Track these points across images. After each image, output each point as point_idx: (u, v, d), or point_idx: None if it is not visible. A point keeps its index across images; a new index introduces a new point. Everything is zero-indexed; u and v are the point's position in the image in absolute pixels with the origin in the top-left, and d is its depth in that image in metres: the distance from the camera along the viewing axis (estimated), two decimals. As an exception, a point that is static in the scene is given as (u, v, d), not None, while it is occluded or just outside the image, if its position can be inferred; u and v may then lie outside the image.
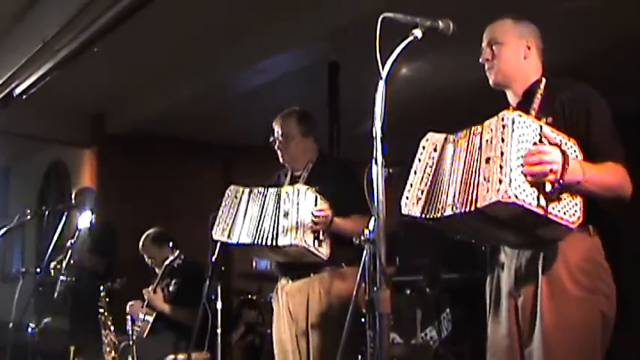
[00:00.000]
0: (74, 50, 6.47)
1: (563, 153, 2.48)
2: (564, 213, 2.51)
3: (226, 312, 4.57)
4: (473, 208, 2.48)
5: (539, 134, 2.50)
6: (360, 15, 5.29)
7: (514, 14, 3.01)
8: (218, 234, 4.01)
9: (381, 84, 2.38)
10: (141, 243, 6.14)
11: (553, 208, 2.48)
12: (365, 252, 2.79)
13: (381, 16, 2.43)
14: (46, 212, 7.51)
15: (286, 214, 3.78)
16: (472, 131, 2.65)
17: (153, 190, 9.08)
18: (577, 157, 2.55)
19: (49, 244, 6.39)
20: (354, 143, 4.90)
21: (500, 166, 2.43)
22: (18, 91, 7.58)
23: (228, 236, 3.95)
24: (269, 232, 3.80)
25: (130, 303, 5.80)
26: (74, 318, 6.66)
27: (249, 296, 7.66)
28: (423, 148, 2.84)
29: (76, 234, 6.30)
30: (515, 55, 2.95)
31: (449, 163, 2.70)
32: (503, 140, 2.46)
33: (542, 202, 2.46)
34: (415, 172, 2.80)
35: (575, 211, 2.53)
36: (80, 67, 6.89)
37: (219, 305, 4.40)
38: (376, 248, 2.38)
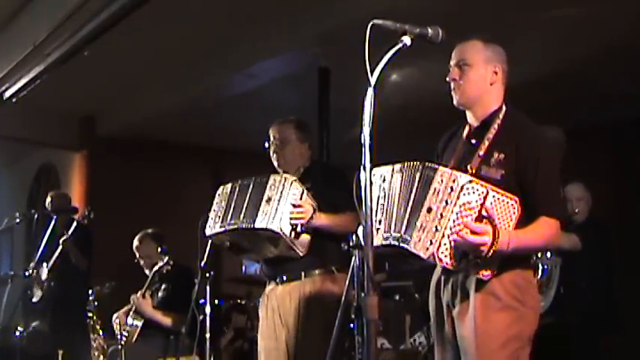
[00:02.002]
0: (64, 54, 6.47)
1: (494, 230, 2.57)
2: (482, 271, 2.69)
3: (215, 317, 4.56)
4: (402, 245, 2.69)
5: (481, 204, 2.59)
6: (351, 21, 5.30)
7: (484, 36, 3.03)
8: (209, 229, 4.05)
9: (370, 91, 2.38)
10: (138, 240, 6.08)
11: (471, 268, 2.66)
12: (353, 258, 2.81)
13: (370, 23, 2.44)
14: (36, 216, 7.52)
15: (269, 200, 3.83)
16: (413, 166, 2.80)
17: (142, 194, 9.06)
18: (513, 215, 2.67)
19: (37, 248, 6.39)
20: (344, 149, 4.91)
21: (436, 228, 2.58)
22: (8, 94, 7.57)
23: (221, 227, 3.99)
24: (250, 215, 3.86)
25: (114, 317, 5.77)
26: (55, 321, 6.64)
27: (239, 301, 7.66)
28: (371, 183, 2.89)
29: (69, 232, 6.29)
30: (482, 79, 2.97)
31: (395, 193, 2.83)
32: (447, 202, 2.59)
33: (463, 264, 2.62)
34: (372, 209, 2.87)
35: (491, 267, 2.70)
36: (70, 70, 6.88)
37: (207, 310, 4.39)
38: (364, 255, 2.38)
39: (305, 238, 3.91)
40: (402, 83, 7.25)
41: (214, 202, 4.11)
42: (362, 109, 2.39)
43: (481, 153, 2.86)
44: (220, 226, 4.00)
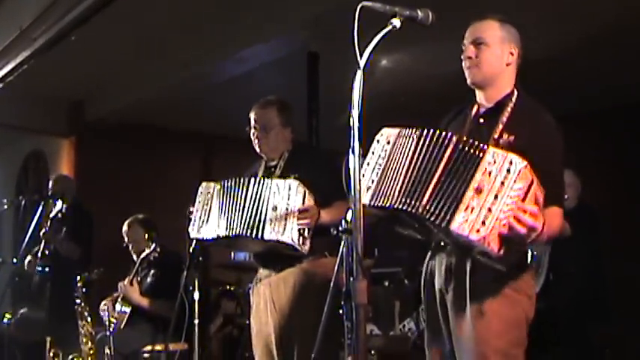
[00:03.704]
0: (51, 38, 6.43)
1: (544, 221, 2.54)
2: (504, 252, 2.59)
3: (204, 303, 4.55)
4: (443, 225, 2.54)
5: (525, 191, 2.51)
6: (340, 4, 5.27)
7: (500, 15, 3.01)
8: (195, 232, 3.98)
9: (359, 73, 2.36)
10: (127, 225, 6.06)
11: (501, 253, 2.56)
12: (342, 243, 2.79)
13: (359, 5, 2.42)
14: (23, 202, 7.48)
15: (275, 208, 3.72)
16: (441, 135, 2.68)
17: (131, 179, 9.03)
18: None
19: (25, 234, 6.35)
20: (334, 133, 4.89)
21: (490, 209, 2.47)
22: (-5, 79, 7.52)
23: (205, 233, 3.92)
24: (254, 223, 3.74)
25: (102, 304, 5.74)
26: (51, 308, 6.60)
27: (228, 287, 7.65)
28: (377, 141, 2.87)
29: (48, 222, 6.24)
30: (499, 58, 2.95)
31: (406, 156, 2.73)
32: (502, 184, 2.48)
33: (501, 250, 2.53)
34: (368, 164, 2.83)
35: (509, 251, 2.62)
36: (58, 55, 6.83)
37: (196, 296, 4.37)
38: (353, 239, 2.36)
39: (309, 239, 3.85)
40: (392, 69, 7.24)
41: (196, 201, 4.01)
42: (351, 93, 2.37)
43: (496, 136, 2.84)
44: (209, 233, 3.90)
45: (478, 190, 2.51)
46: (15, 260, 6.59)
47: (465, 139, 2.64)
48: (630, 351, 6.09)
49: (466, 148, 2.61)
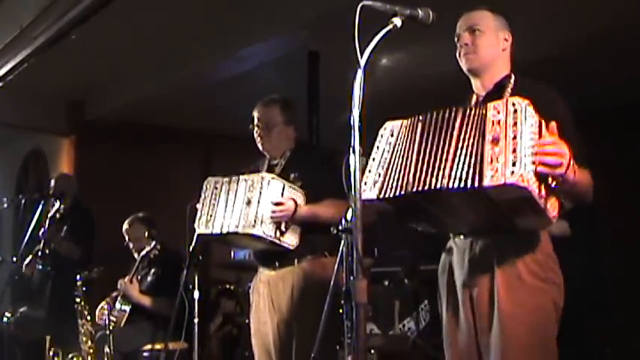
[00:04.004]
0: (52, 37, 6.43)
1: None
2: (553, 206, 2.53)
3: (204, 302, 4.55)
4: (476, 185, 2.43)
5: (539, 127, 2.48)
6: (340, 4, 5.27)
7: (490, 7, 3.04)
8: (202, 228, 4.00)
9: (360, 72, 2.36)
10: (128, 223, 6.07)
11: (548, 199, 2.49)
12: (342, 242, 2.79)
13: (360, 5, 2.42)
14: (23, 201, 7.48)
15: (249, 202, 3.78)
16: (446, 113, 2.67)
17: (132, 179, 9.02)
18: None
19: (25, 234, 6.36)
20: (334, 132, 4.89)
21: (514, 149, 2.40)
22: (-5, 78, 7.52)
23: (213, 228, 3.94)
24: (234, 219, 3.81)
25: (102, 303, 5.74)
26: (50, 307, 6.60)
27: (228, 286, 7.65)
28: (381, 136, 2.85)
29: (47, 222, 6.25)
30: (495, 44, 2.99)
31: (414, 143, 2.70)
32: (515, 124, 2.44)
33: (543, 192, 2.46)
34: (373, 159, 2.80)
35: (557, 206, 2.56)
36: (58, 54, 6.83)
37: (196, 295, 4.37)
38: (353, 238, 2.36)
39: (293, 232, 3.89)
40: (392, 68, 7.23)
41: (202, 196, 4.06)
42: (351, 93, 2.37)
43: None
44: (207, 229, 3.97)
45: (495, 141, 2.45)
46: (15, 259, 6.59)
47: (470, 109, 2.62)
48: (630, 350, 6.09)
49: (469, 112, 2.59)
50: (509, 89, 2.91)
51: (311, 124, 6.62)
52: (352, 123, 2.35)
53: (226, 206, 3.90)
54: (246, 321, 6.18)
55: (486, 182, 2.41)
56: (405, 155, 2.69)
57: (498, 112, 2.49)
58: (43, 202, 6.56)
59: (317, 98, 6.63)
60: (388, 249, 7.12)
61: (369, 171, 2.76)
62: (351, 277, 2.35)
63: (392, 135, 2.80)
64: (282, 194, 3.82)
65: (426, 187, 2.55)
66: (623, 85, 7.22)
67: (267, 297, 4.08)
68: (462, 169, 2.49)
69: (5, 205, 6.90)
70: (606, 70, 6.97)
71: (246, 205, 3.77)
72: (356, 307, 2.31)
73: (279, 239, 3.82)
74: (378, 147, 2.82)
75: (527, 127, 2.43)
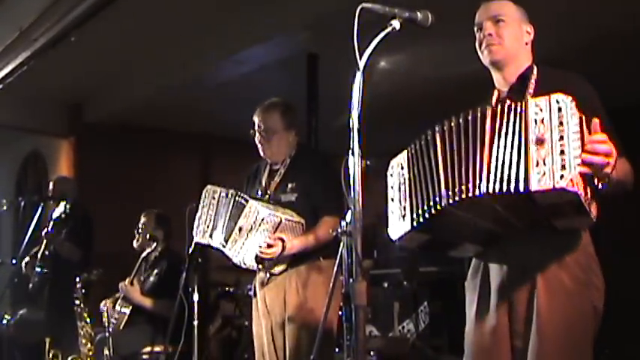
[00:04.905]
0: (51, 39, 6.43)
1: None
2: (594, 208, 2.46)
3: (203, 304, 4.54)
4: (522, 188, 2.31)
5: (580, 125, 2.34)
6: (339, 6, 5.27)
7: None
8: (199, 236, 4.03)
9: (359, 75, 2.37)
10: (145, 213, 6.08)
11: (591, 202, 2.41)
12: (342, 244, 2.78)
13: (359, 7, 2.42)
14: (22, 203, 7.48)
15: (240, 229, 3.80)
16: (469, 114, 2.52)
17: (131, 181, 9.02)
18: None
19: (25, 235, 6.35)
20: (333, 135, 4.90)
21: (562, 151, 2.27)
22: (-6, 80, 7.52)
23: (210, 240, 3.99)
24: (225, 237, 3.87)
25: (102, 305, 5.73)
26: (50, 309, 6.60)
27: (227, 289, 7.64)
28: (391, 175, 2.75)
29: (51, 223, 6.24)
30: (519, 37, 2.85)
31: (435, 154, 2.55)
32: (561, 124, 2.29)
33: (589, 194, 2.37)
34: (392, 200, 2.70)
35: (596, 206, 2.48)
36: (57, 57, 6.83)
37: (195, 297, 4.37)
38: (353, 240, 2.36)
39: (279, 264, 3.96)
40: (391, 70, 7.24)
41: (201, 203, 4.09)
42: (351, 95, 2.37)
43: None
44: (203, 239, 4.04)
45: (540, 141, 2.31)
46: (14, 261, 6.59)
47: (500, 105, 2.48)
48: (629, 351, 6.08)
49: (505, 110, 2.43)
50: (532, 80, 2.78)
51: (310, 126, 6.63)
52: (351, 125, 2.36)
53: (220, 221, 3.95)
54: (246, 323, 6.19)
55: (533, 185, 2.29)
56: (427, 173, 2.56)
57: (541, 110, 2.34)
58: (42, 204, 6.55)
59: (316, 100, 6.63)
60: (388, 251, 7.13)
61: (392, 212, 2.67)
62: (351, 280, 2.35)
63: (402, 168, 2.70)
64: (276, 230, 3.82)
65: (463, 196, 2.43)
66: (624, 85, 7.22)
67: (262, 300, 4.11)
68: (504, 171, 2.37)
69: (4, 208, 6.89)
70: (607, 70, 6.97)
71: (238, 230, 3.80)
72: (355, 309, 2.31)
73: (260, 270, 3.95)
74: (392, 187, 2.72)
75: (572, 126, 2.29)
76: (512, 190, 2.32)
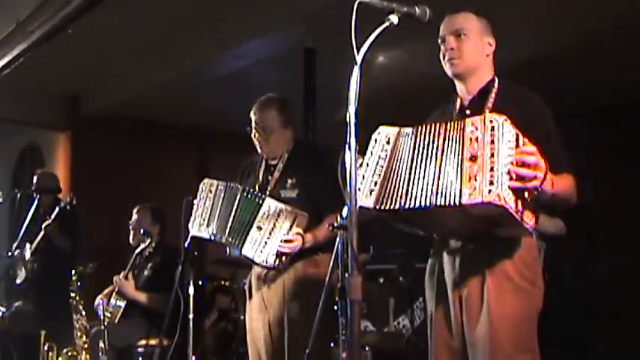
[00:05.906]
0: (48, 32, 6.41)
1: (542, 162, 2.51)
2: (529, 218, 2.57)
3: (199, 298, 4.54)
4: (454, 203, 2.50)
5: (516, 141, 2.51)
6: (337, 1, 5.26)
7: (474, 7, 3.04)
8: (195, 230, 4.03)
9: (356, 69, 2.36)
10: (138, 208, 6.07)
11: (524, 213, 2.53)
12: (338, 239, 2.78)
13: (357, 2, 2.41)
14: (18, 195, 7.48)
15: (259, 228, 3.81)
16: (432, 127, 2.69)
17: (127, 174, 9.02)
18: None
19: (21, 227, 6.35)
20: (330, 130, 4.89)
21: (492, 168, 2.46)
22: (-9, 72, 7.50)
23: (207, 232, 3.99)
24: (239, 235, 3.86)
25: (97, 298, 5.72)
26: (40, 301, 6.60)
27: (223, 282, 7.64)
28: (375, 141, 2.85)
29: (53, 215, 6.25)
30: (480, 50, 2.99)
31: (407, 156, 2.72)
32: (492, 142, 2.48)
33: (520, 207, 2.51)
34: (367, 165, 2.81)
35: (533, 217, 2.60)
36: (54, 49, 6.82)
37: (191, 291, 4.37)
38: (349, 235, 2.36)
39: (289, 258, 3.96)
40: (389, 65, 7.23)
41: (198, 197, 4.08)
42: (348, 90, 2.37)
43: None
44: (199, 232, 4.03)
45: (473, 158, 2.50)
46: (10, 253, 6.59)
47: (450, 123, 2.65)
48: (624, 350, 6.10)
49: (448, 128, 2.62)
50: (492, 94, 2.93)
51: (307, 121, 6.61)
52: (348, 120, 2.35)
53: (224, 214, 3.93)
54: (241, 317, 6.19)
55: (464, 200, 2.47)
56: (399, 169, 2.73)
57: (476, 129, 2.53)
58: (39, 196, 6.55)
59: (313, 95, 6.62)
60: (383, 246, 7.12)
61: (363, 177, 2.78)
62: (346, 274, 2.35)
63: (387, 142, 2.82)
64: (291, 227, 3.87)
65: (417, 204, 2.61)
66: (624, 84, 7.23)
67: (259, 295, 4.10)
68: (444, 187, 2.55)
69: (0, 200, 6.88)
70: (606, 69, 6.98)
71: (257, 229, 3.81)
72: (350, 304, 2.31)
73: (277, 266, 3.91)
74: (372, 152, 2.84)
75: (504, 143, 2.47)
76: (446, 203, 2.52)
